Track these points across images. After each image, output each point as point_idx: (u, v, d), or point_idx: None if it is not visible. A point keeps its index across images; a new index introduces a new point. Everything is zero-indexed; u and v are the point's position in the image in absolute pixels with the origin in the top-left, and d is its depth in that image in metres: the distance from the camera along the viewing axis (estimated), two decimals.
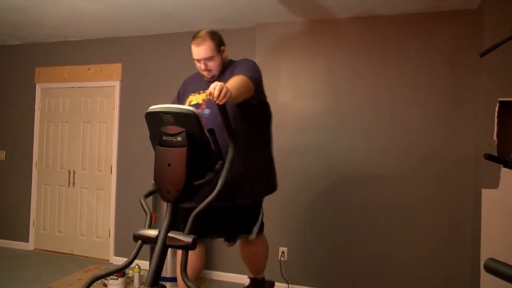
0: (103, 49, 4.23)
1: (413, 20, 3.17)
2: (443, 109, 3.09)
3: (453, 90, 3.07)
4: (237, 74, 1.93)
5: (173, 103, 2.26)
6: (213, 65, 2.05)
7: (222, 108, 1.64)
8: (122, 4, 3.22)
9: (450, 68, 3.08)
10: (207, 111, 2.02)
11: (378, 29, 3.26)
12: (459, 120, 3.05)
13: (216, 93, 1.58)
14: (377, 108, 3.24)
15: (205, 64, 2.04)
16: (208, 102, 2.04)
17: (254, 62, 2.12)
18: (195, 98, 2.10)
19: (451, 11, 3.08)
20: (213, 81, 2.08)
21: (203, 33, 2.05)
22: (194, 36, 2.06)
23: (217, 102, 1.59)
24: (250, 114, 2.05)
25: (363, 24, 3.30)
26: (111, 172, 4.16)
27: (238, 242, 2.27)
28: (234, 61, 2.19)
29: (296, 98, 3.41)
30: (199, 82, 2.16)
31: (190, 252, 2.17)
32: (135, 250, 1.60)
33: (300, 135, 3.37)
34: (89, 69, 4.27)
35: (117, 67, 4.16)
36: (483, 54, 1.68)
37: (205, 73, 2.08)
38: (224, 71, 2.12)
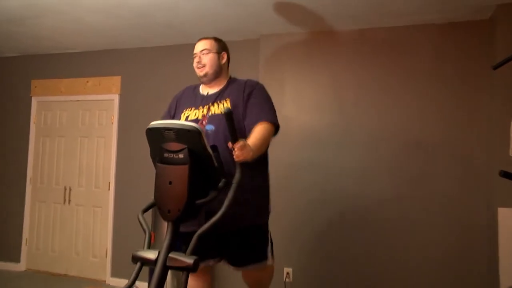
0: (102, 61, 4.29)
1: (423, 31, 3.21)
2: (454, 123, 3.10)
3: (465, 104, 3.09)
4: (258, 117, 2.03)
5: (162, 119, 2.28)
6: (208, 60, 2.13)
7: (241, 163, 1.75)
8: (122, 15, 3.28)
9: (461, 81, 3.10)
10: (209, 127, 2.05)
11: (387, 41, 3.30)
12: (472, 136, 3.05)
13: (237, 153, 1.71)
14: (384, 122, 3.26)
15: (199, 57, 2.13)
16: (210, 118, 2.07)
17: (266, 91, 2.18)
18: (193, 113, 2.13)
19: (461, 22, 3.12)
20: (211, 96, 2.13)
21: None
22: None
23: (236, 158, 1.72)
24: None
25: (370, 35, 3.34)
26: (109, 189, 4.18)
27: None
28: (236, 79, 2.23)
29: (300, 111, 3.44)
30: (194, 97, 2.20)
31: (196, 280, 2.18)
32: (134, 273, 1.60)
33: (305, 150, 3.38)
34: (87, 82, 4.33)
35: (116, 80, 4.22)
36: (496, 67, 1.70)
37: (198, 70, 2.15)
38: (226, 87, 2.16)
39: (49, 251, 4.39)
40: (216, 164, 1.66)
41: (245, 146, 1.73)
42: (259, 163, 2.10)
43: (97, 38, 3.93)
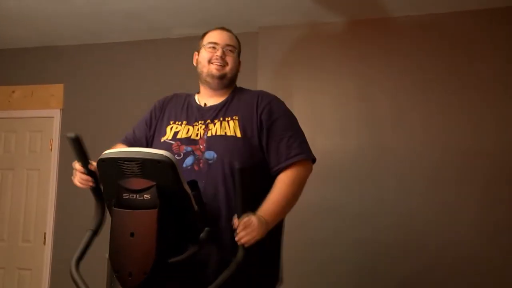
0: (36, 63, 4.33)
1: (494, 17, 3.26)
2: None
3: None
4: (288, 154, 2.02)
5: (133, 132, 2.27)
6: (232, 61, 2.20)
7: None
8: (67, 0, 3.33)
9: None
10: (209, 154, 2.02)
11: (442, 32, 3.35)
12: None
13: (241, 233, 1.72)
14: (440, 147, 3.27)
15: (224, 53, 2.18)
16: (210, 141, 2.04)
17: (287, 108, 2.20)
18: (185, 130, 2.11)
19: None
20: (211, 109, 2.14)
21: None
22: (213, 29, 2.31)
23: (238, 240, 1.73)
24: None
25: (415, 25, 3.40)
26: (44, 243, 4.16)
27: None
28: (242, 88, 2.27)
29: (316, 133, 3.45)
30: (186, 108, 2.20)
31: None
32: None
33: (324, 187, 3.38)
34: (13, 91, 4.36)
35: (57, 90, 4.26)
36: None
37: (215, 68, 2.16)
38: (232, 98, 2.18)
39: None
40: (196, 207, 1.68)
41: (251, 223, 1.74)
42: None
43: (29, 31, 3.96)
